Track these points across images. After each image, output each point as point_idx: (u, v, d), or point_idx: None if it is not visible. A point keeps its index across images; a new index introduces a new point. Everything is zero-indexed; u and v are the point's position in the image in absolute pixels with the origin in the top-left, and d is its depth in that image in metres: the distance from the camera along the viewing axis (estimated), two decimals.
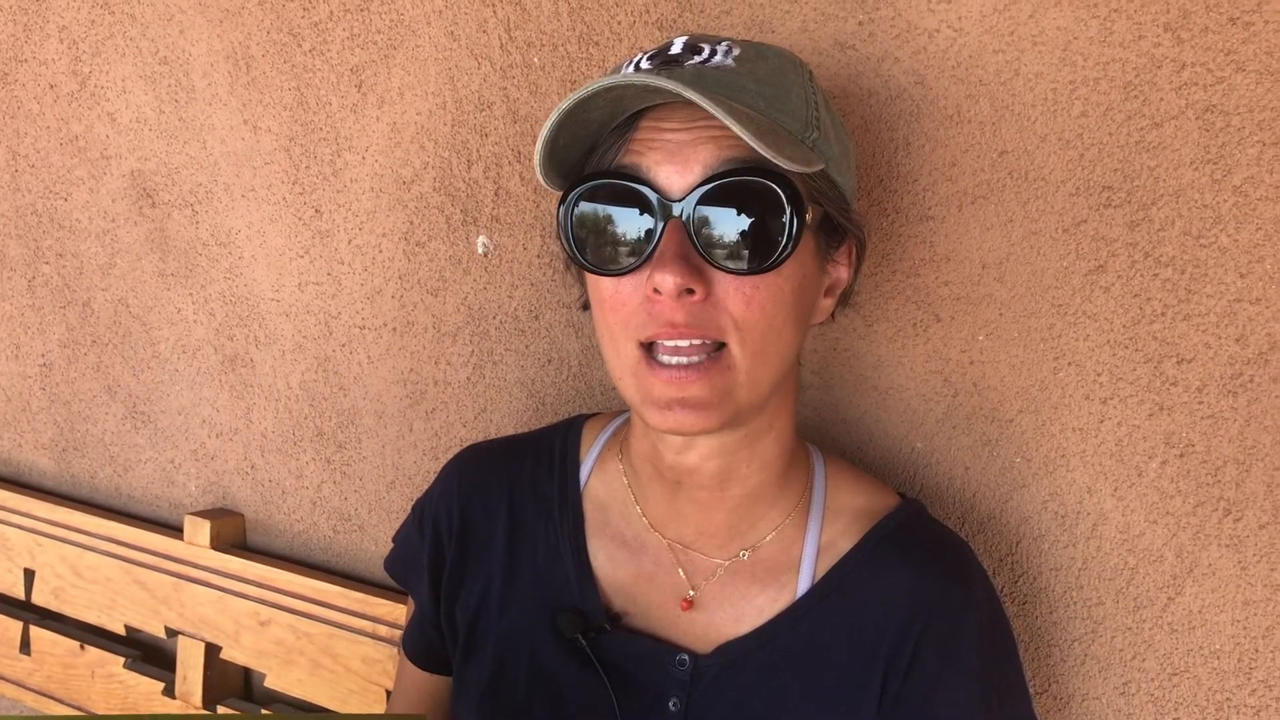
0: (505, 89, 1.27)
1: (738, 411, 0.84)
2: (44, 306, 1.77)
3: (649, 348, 0.83)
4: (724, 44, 0.83)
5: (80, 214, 1.69)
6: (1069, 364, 1.03)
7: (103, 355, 1.72)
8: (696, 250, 0.79)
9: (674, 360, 0.81)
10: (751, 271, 0.80)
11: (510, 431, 1.34)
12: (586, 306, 0.97)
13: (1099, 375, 1.02)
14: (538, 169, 0.83)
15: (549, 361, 1.32)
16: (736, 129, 0.73)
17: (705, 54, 0.82)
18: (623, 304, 0.83)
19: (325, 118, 1.41)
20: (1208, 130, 0.94)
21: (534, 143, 1.27)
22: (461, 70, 1.30)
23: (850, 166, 0.89)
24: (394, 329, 1.42)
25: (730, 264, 0.80)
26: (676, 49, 0.83)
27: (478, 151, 1.31)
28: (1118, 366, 1.01)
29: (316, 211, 1.45)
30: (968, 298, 1.06)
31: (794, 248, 0.80)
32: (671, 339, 0.81)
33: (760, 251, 0.80)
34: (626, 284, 0.82)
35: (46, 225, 1.73)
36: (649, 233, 0.80)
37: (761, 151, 0.74)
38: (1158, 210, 0.97)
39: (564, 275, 1.27)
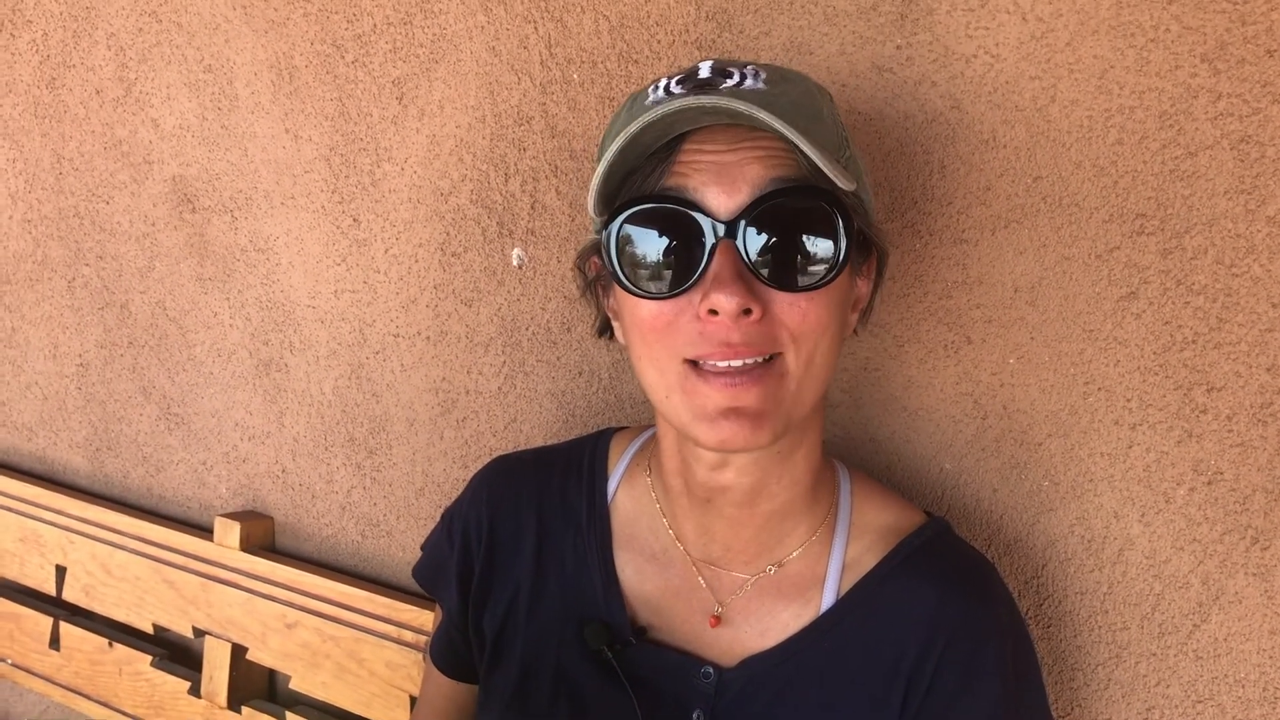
0: (544, 104, 1.29)
1: (786, 424, 0.85)
2: (83, 308, 1.80)
3: (694, 363, 0.83)
4: (750, 68, 0.84)
5: (121, 217, 1.72)
6: (1099, 389, 1.03)
7: (139, 357, 1.75)
8: (749, 270, 0.80)
9: (726, 365, 0.81)
10: (805, 289, 0.81)
11: (540, 442, 1.36)
12: (602, 333, 0.98)
13: (1128, 401, 1.02)
14: (592, 196, 0.82)
15: (580, 374, 1.33)
16: (803, 144, 0.75)
17: (736, 78, 0.82)
18: (667, 324, 0.83)
19: (366, 128, 1.43)
20: (1242, 160, 0.95)
21: (571, 158, 1.28)
22: (501, 85, 1.32)
23: (869, 188, 0.91)
24: (427, 338, 1.44)
25: (785, 283, 0.81)
26: (705, 73, 0.83)
27: (515, 165, 1.33)
28: (1147, 393, 1.01)
29: (354, 220, 1.47)
30: (999, 321, 1.07)
31: (847, 261, 0.82)
32: (726, 359, 0.81)
33: (813, 268, 0.81)
34: (669, 306, 0.83)
35: (88, 228, 1.76)
36: (699, 255, 0.81)
37: (823, 168, 0.75)
38: (1191, 239, 0.98)
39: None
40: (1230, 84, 0.94)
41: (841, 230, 0.81)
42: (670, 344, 0.83)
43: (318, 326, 1.54)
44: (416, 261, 1.43)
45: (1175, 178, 0.98)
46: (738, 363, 0.81)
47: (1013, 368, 1.07)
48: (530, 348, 1.36)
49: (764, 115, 0.75)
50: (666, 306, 0.83)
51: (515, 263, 1.35)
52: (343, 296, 1.50)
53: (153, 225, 1.68)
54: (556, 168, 1.30)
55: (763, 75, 0.83)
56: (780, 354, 0.83)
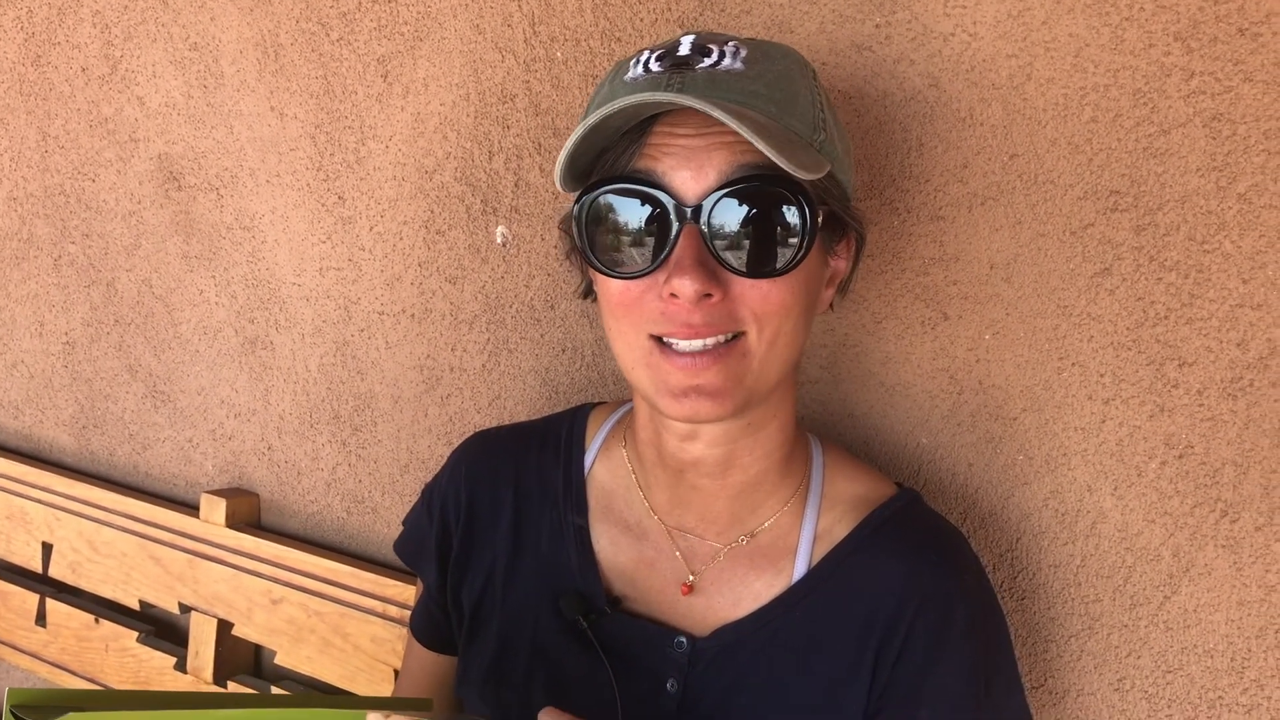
0: (528, 82, 1.30)
1: (749, 399, 0.87)
2: (69, 285, 1.80)
3: (660, 339, 0.85)
4: (731, 44, 0.85)
5: (107, 195, 1.72)
6: (1073, 364, 1.05)
7: (125, 335, 1.75)
8: (712, 255, 0.82)
9: (689, 347, 0.84)
10: (767, 275, 0.83)
11: (524, 419, 1.37)
12: (586, 295, 0.99)
13: (1102, 376, 1.04)
14: (558, 174, 0.84)
15: (563, 351, 1.34)
16: (757, 143, 0.75)
17: (714, 56, 0.83)
18: (634, 301, 0.85)
19: (351, 106, 1.44)
20: (1214, 138, 0.96)
21: (554, 135, 1.29)
22: (486, 63, 1.33)
23: (850, 164, 0.92)
24: (412, 315, 1.45)
25: (746, 268, 0.82)
26: (684, 50, 0.84)
27: (499, 143, 1.33)
28: (1120, 368, 1.03)
29: (339, 198, 1.48)
30: (975, 297, 1.08)
31: (808, 250, 0.83)
32: (688, 339, 0.83)
33: (775, 254, 0.82)
34: (636, 284, 0.85)
35: (74, 206, 1.76)
36: (664, 237, 0.82)
37: (780, 163, 0.76)
38: (1163, 215, 0.99)
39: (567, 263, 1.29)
40: (1203, 62, 0.95)
41: (804, 218, 0.82)
42: (636, 320, 0.86)
43: (303, 304, 1.54)
44: (401, 239, 1.44)
45: (1148, 155, 0.99)
46: (698, 344, 0.83)
47: (988, 343, 1.09)
48: (514, 325, 1.37)
49: (719, 114, 0.75)
50: (633, 285, 0.85)
51: (499, 240, 1.36)
52: (328, 274, 1.51)
53: (139, 203, 1.69)
54: (540, 145, 1.31)
55: (743, 53, 0.84)
56: (743, 333, 0.84)
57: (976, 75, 1.05)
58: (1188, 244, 0.98)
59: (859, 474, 1.00)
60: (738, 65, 0.83)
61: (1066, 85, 1.01)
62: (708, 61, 0.83)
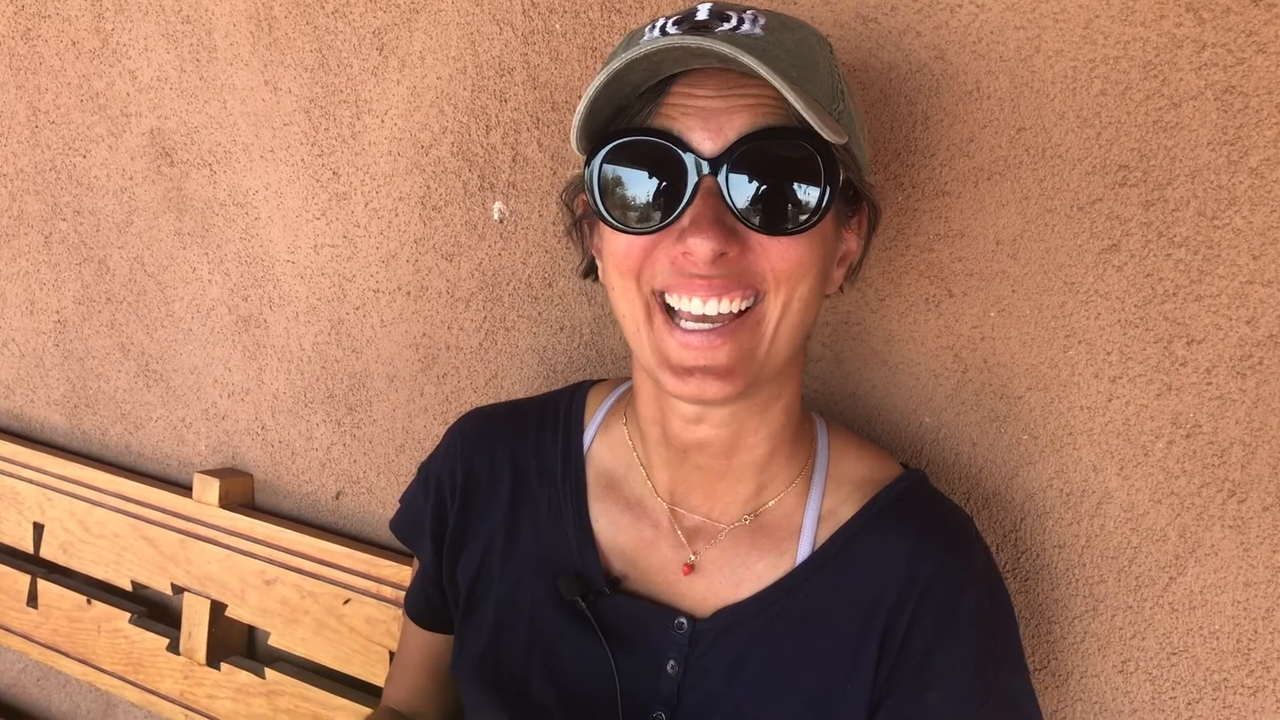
0: (526, 55, 1.28)
1: (759, 376, 0.85)
2: (60, 263, 1.78)
3: (670, 311, 0.83)
4: (750, 12, 0.83)
5: (99, 171, 1.70)
6: (1079, 342, 1.03)
7: (117, 313, 1.73)
8: (731, 211, 0.80)
9: (698, 326, 0.82)
10: (785, 233, 0.81)
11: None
12: (587, 274, 0.97)
13: (1109, 354, 1.02)
14: (575, 129, 0.81)
15: (561, 329, 1.33)
16: (788, 93, 0.73)
17: (733, 22, 0.81)
18: (643, 254, 0.83)
19: (346, 80, 1.42)
20: (1226, 111, 0.94)
21: (553, 109, 1.27)
22: (483, 35, 1.30)
23: (865, 139, 0.90)
24: (408, 293, 1.43)
25: (764, 225, 0.80)
26: (703, 15, 0.82)
27: (496, 117, 1.31)
28: (1128, 346, 1.01)
29: (334, 174, 1.45)
30: (981, 274, 1.07)
31: (829, 208, 0.81)
32: (702, 297, 0.81)
33: (794, 213, 0.80)
34: (648, 239, 0.83)
35: (65, 182, 1.74)
36: (681, 191, 0.80)
37: (807, 116, 0.74)
38: (1173, 190, 0.97)
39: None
40: (1215, 33, 0.94)
41: (824, 176, 0.80)
42: (645, 275, 0.84)
43: (297, 282, 1.52)
44: (397, 215, 1.42)
45: (1158, 129, 0.97)
46: (712, 309, 0.81)
47: (993, 321, 1.07)
48: (511, 303, 1.36)
49: (749, 60, 0.74)
50: (644, 240, 0.83)
51: (496, 216, 1.34)
52: (322, 251, 1.49)
53: (130, 179, 1.66)
54: (538, 120, 1.29)
55: (761, 21, 0.82)
56: (759, 297, 0.82)
57: (984, 47, 1.03)
58: (1197, 219, 0.97)
59: (864, 454, 0.98)
60: (757, 31, 0.81)
61: (1075, 57, 0.99)
62: (727, 26, 0.81)
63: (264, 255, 1.55)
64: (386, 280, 1.44)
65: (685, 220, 0.80)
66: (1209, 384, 0.99)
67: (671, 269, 0.82)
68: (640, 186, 0.82)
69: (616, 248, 0.85)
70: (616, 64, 0.77)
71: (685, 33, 0.80)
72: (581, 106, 0.79)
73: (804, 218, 0.81)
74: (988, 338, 1.08)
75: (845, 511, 0.94)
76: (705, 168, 0.79)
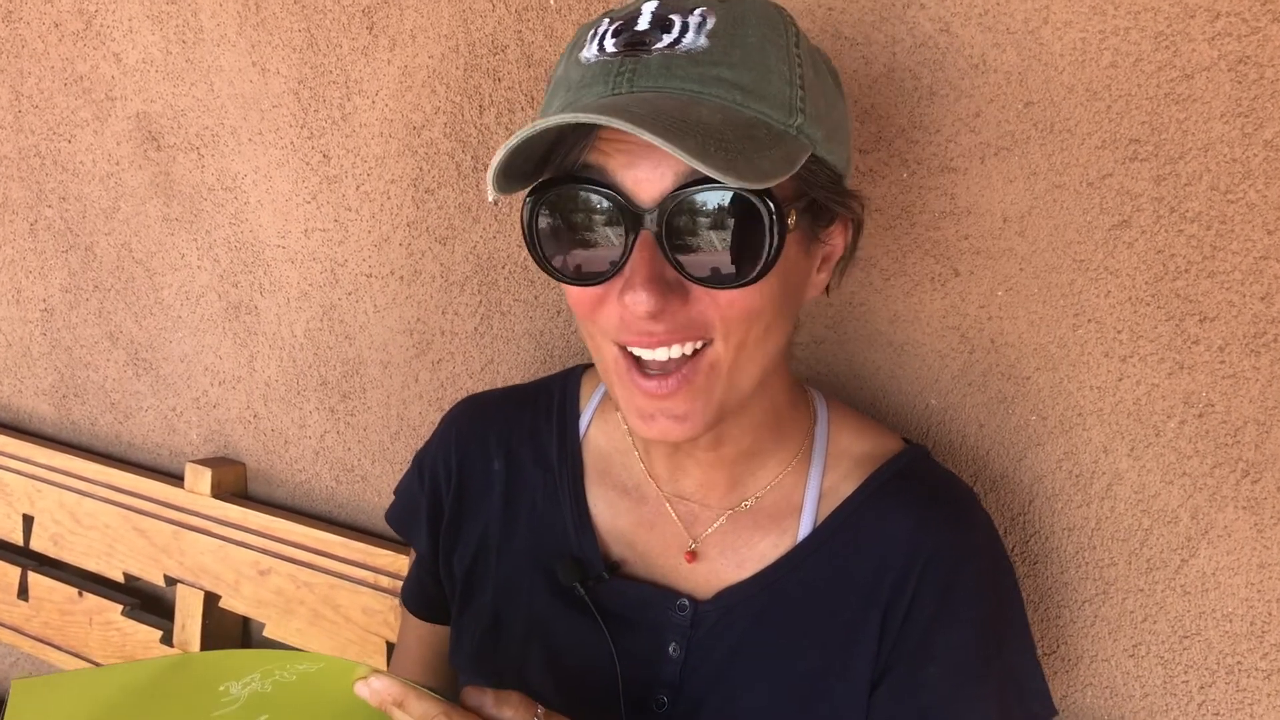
0: (520, 32, 1.25)
1: (720, 413, 0.82)
2: (46, 251, 1.75)
3: (635, 358, 0.80)
4: (697, 13, 0.76)
5: (84, 156, 1.67)
6: (1089, 321, 1.01)
7: (105, 301, 1.71)
8: (670, 263, 0.75)
9: (654, 356, 0.79)
10: (730, 286, 0.76)
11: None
12: None
13: (1119, 333, 1.00)
14: (492, 176, 0.73)
15: (558, 313, 1.30)
16: (699, 166, 0.66)
17: (675, 32, 0.75)
18: (595, 304, 0.79)
19: (335, 60, 1.39)
20: (1240, 82, 0.92)
21: (549, 87, 1.24)
22: (475, 12, 1.28)
23: (845, 134, 0.84)
24: (401, 277, 1.40)
25: (707, 278, 0.75)
26: (644, 24, 0.76)
27: (490, 97, 1.29)
28: (1138, 324, 0.99)
29: (324, 157, 1.43)
30: (988, 252, 1.05)
31: (777, 255, 0.75)
32: (650, 348, 0.78)
33: (739, 262, 0.75)
34: (594, 290, 0.79)
35: (49, 168, 1.71)
36: (618, 244, 0.75)
37: (726, 182, 0.68)
38: (1185, 164, 0.95)
39: None
40: (1229, 2, 0.91)
41: (772, 222, 0.74)
42: (601, 326, 0.80)
43: (288, 267, 1.50)
44: (389, 198, 1.39)
45: (1170, 101, 0.95)
46: (663, 355, 0.78)
47: (1001, 300, 1.05)
48: (507, 286, 1.33)
49: (649, 136, 0.66)
50: (592, 290, 0.79)
51: (491, 199, 1.31)
52: (313, 236, 1.46)
53: (117, 164, 1.63)
54: (533, 99, 1.26)
55: (709, 24, 0.75)
56: (709, 342, 0.79)
57: (990, 19, 1.01)
58: (1210, 194, 0.95)
59: (865, 430, 0.97)
60: (701, 42, 0.75)
61: (1085, 29, 0.97)
62: (667, 39, 0.75)
63: (254, 240, 1.52)
64: (379, 265, 1.42)
65: (626, 273, 0.75)
66: (1222, 362, 0.97)
67: (620, 323, 0.78)
68: (578, 234, 0.77)
69: (570, 292, 0.81)
70: (515, 140, 0.70)
71: (621, 49, 0.75)
72: (495, 164, 0.72)
73: (751, 266, 0.75)
74: (995, 317, 1.05)
75: (846, 488, 0.93)
76: (642, 219, 0.74)
